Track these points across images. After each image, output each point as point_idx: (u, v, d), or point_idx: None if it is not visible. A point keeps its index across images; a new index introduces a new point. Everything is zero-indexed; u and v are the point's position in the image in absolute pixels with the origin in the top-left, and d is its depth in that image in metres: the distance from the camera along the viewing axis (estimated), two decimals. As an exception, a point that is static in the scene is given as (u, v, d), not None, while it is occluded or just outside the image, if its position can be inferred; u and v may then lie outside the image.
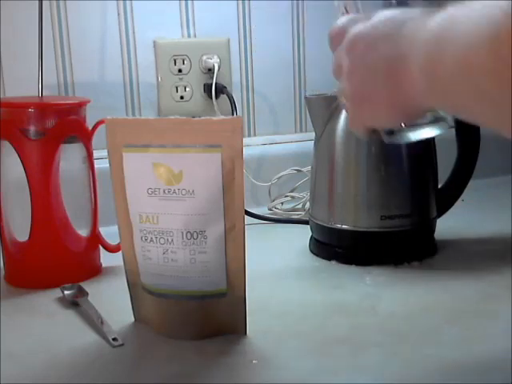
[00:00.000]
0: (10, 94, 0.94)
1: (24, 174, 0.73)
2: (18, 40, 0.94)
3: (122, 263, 0.64)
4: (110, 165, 0.61)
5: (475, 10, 0.39)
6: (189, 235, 0.58)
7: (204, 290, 0.60)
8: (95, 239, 0.79)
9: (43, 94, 0.80)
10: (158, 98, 1.03)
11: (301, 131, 1.15)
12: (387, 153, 0.78)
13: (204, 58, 1.04)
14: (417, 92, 0.47)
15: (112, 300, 0.69)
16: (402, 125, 0.54)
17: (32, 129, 0.72)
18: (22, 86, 0.91)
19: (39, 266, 0.75)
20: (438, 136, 0.58)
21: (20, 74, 0.94)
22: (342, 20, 0.57)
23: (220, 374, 0.55)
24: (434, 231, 0.83)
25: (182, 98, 1.04)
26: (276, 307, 0.68)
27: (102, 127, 0.71)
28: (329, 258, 0.81)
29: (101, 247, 0.80)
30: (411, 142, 0.56)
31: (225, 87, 1.03)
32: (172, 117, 0.59)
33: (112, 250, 0.78)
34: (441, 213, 0.83)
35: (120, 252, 0.64)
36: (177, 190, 0.58)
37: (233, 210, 0.58)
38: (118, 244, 0.66)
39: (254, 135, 1.11)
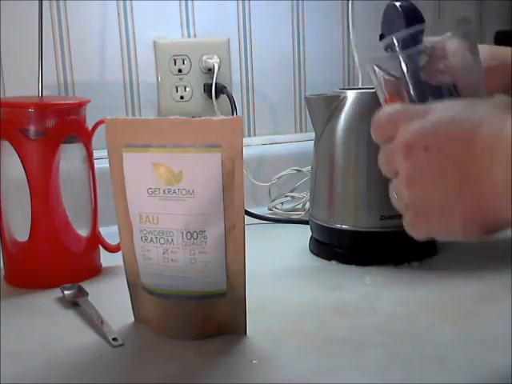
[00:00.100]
0: (10, 94, 0.94)
1: (24, 174, 0.73)
2: (18, 40, 0.94)
3: (122, 263, 0.64)
4: (110, 165, 0.61)
5: None
6: (189, 235, 0.58)
7: (204, 290, 0.60)
8: (95, 239, 0.79)
9: (43, 93, 0.80)
10: (158, 98, 1.03)
11: (301, 131, 1.15)
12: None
13: (204, 58, 1.04)
14: (501, 208, 0.42)
15: (112, 300, 0.69)
16: None
17: (32, 129, 0.72)
18: (22, 86, 0.92)
19: (39, 266, 0.75)
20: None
21: (20, 74, 0.94)
22: (390, 110, 0.49)
23: (220, 373, 0.55)
24: (434, 231, 0.83)
25: (182, 98, 1.04)
26: (276, 307, 0.68)
27: (101, 127, 0.71)
28: (329, 258, 0.81)
29: (101, 247, 0.80)
30: None
31: (225, 87, 1.03)
32: (172, 117, 0.59)
33: (112, 250, 0.78)
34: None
35: (120, 252, 0.64)
36: (177, 190, 0.58)
37: (233, 210, 0.58)
38: (118, 244, 0.66)
39: (254, 135, 1.12)
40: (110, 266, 0.79)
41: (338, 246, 0.81)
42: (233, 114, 1.01)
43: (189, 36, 1.04)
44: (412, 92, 0.50)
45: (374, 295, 0.70)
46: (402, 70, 0.50)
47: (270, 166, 1.07)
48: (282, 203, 1.04)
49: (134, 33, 1.01)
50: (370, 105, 0.79)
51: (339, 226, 0.80)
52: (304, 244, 0.86)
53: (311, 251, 0.85)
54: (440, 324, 0.63)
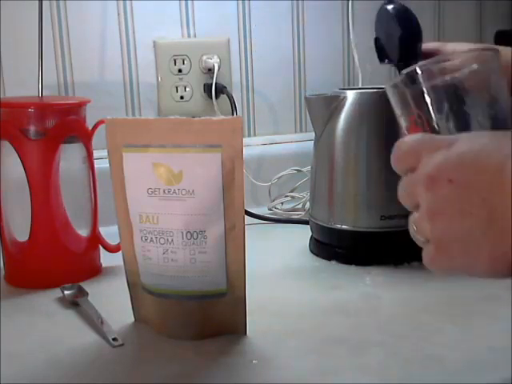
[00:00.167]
0: (10, 94, 0.94)
1: (24, 174, 0.73)
2: (18, 40, 0.94)
3: (122, 263, 0.64)
4: (110, 165, 0.61)
5: None
6: (189, 235, 0.58)
7: (204, 289, 0.60)
8: (95, 239, 0.79)
9: (43, 93, 0.80)
10: (158, 98, 1.03)
11: (301, 131, 1.15)
12: (387, 153, 0.78)
13: (204, 58, 1.04)
14: None
15: (112, 300, 0.69)
16: None
17: (32, 129, 0.72)
18: (22, 86, 0.92)
19: (39, 266, 0.75)
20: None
21: (20, 74, 0.94)
22: (412, 140, 0.47)
23: (220, 373, 0.55)
24: (433, 231, 0.83)
25: (182, 98, 1.04)
26: (276, 307, 0.68)
27: (101, 127, 0.71)
28: (329, 258, 0.81)
29: (101, 247, 0.80)
30: None
31: (225, 87, 1.03)
32: (172, 117, 0.59)
33: (112, 250, 0.78)
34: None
35: (120, 252, 0.64)
36: (177, 190, 0.58)
37: (233, 210, 0.58)
38: (118, 244, 0.66)
39: (254, 135, 1.12)
40: (110, 265, 0.79)
41: (338, 246, 0.81)
42: (233, 114, 1.01)
43: (189, 36, 1.04)
44: (435, 122, 0.48)
45: (374, 295, 0.70)
46: (424, 100, 0.48)
47: (270, 166, 1.07)
48: (282, 203, 1.04)
49: (133, 33, 1.01)
50: (369, 105, 0.79)
51: (339, 226, 0.80)
52: (304, 244, 0.86)
53: (311, 251, 0.85)
54: (440, 324, 0.63)
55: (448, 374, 0.54)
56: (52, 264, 0.75)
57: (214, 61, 1.03)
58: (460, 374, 0.54)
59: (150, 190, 0.59)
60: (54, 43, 0.96)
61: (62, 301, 0.70)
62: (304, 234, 0.87)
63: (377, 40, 0.81)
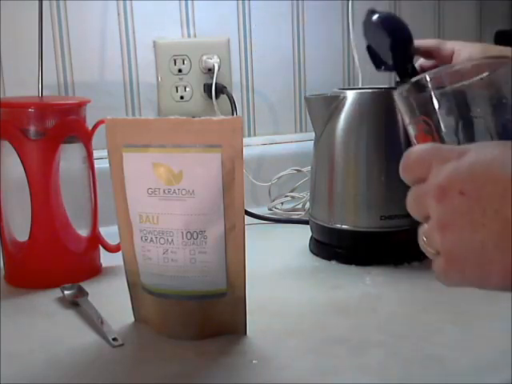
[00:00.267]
0: (10, 94, 0.94)
1: (24, 174, 0.73)
2: (18, 40, 0.94)
3: (122, 263, 0.64)
4: (110, 165, 0.61)
5: None
6: (189, 235, 0.58)
7: (204, 289, 0.60)
8: (95, 239, 0.79)
9: (43, 93, 0.80)
10: (158, 98, 1.03)
11: (301, 131, 1.15)
12: (387, 153, 0.78)
13: (204, 58, 1.04)
14: None
15: (112, 300, 0.69)
16: None
17: (32, 129, 0.72)
18: (22, 86, 0.92)
19: (39, 266, 0.75)
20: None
21: (20, 74, 0.94)
22: (421, 150, 0.46)
23: (220, 374, 0.55)
24: (433, 231, 0.83)
25: (182, 98, 1.04)
26: (276, 307, 0.68)
27: (102, 127, 0.71)
28: (329, 258, 0.81)
29: (101, 247, 0.80)
30: None
31: (225, 87, 1.03)
32: (172, 117, 0.59)
33: (112, 250, 0.78)
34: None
35: (120, 252, 0.64)
36: (177, 190, 0.58)
37: (233, 210, 0.58)
38: (118, 244, 0.66)
39: (254, 135, 1.12)
40: (110, 265, 0.79)
41: (338, 246, 0.81)
42: (233, 114, 1.01)
43: (189, 36, 1.04)
44: (443, 131, 0.47)
45: (374, 295, 0.70)
46: (433, 108, 0.47)
47: (270, 166, 1.07)
48: (282, 203, 1.04)
49: (134, 33, 1.01)
50: (369, 105, 0.79)
51: (339, 226, 0.80)
52: (304, 244, 0.86)
53: (311, 251, 0.85)
54: (440, 324, 0.63)
55: (448, 374, 0.54)
56: (52, 264, 0.75)
57: (214, 61, 1.03)
58: (460, 374, 0.54)
59: (149, 190, 0.59)
60: (54, 43, 0.96)
61: (62, 301, 0.70)
62: (304, 233, 0.87)
63: (369, 48, 0.81)
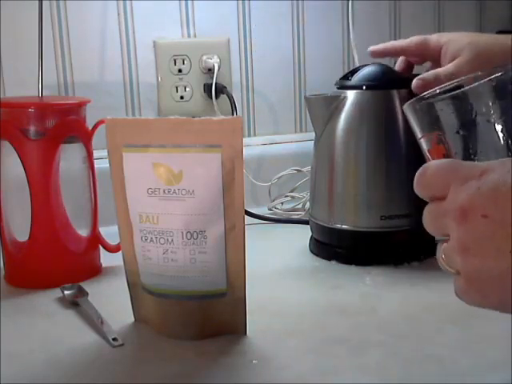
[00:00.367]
0: (10, 94, 0.94)
1: (24, 174, 0.73)
2: (18, 40, 0.94)
3: (122, 263, 0.64)
4: (110, 165, 0.61)
5: None
6: (189, 235, 0.58)
7: (204, 289, 0.60)
8: (95, 239, 0.79)
9: (43, 93, 0.80)
10: (158, 98, 1.03)
11: (301, 131, 1.15)
12: (387, 153, 0.78)
13: (204, 58, 1.04)
14: None
15: (112, 300, 0.69)
16: None
17: (32, 129, 0.72)
18: (22, 86, 0.92)
19: (39, 266, 0.75)
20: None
21: (20, 74, 0.94)
22: (438, 166, 0.44)
23: (220, 374, 0.55)
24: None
25: (182, 98, 1.04)
26: (276, 307, 0.68)
27: (102, 127, 0.71)
28: (329, 258, 0.81)
29: (101, 247, 0.80)
30: None
31: (225, 87, 1.03)
32: (172, 117, 0.59)
33: (112, 250, 0.78)
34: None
35: (120, 252, 0.64)
36: (177, 190, 0.58)
37: (233, 210, 0.58)
38: (118, 244, 0.66)
39: (254, 135, 1.12)
40: (110, 265, 0.79)
41: (338, 246, 0.81)
42: (233, 114, 1.01)
43: (189, 36, 1.04)
44: (458, 142, 0.45)
45: (374, 295, 0.70)
46: (445, 119, 0.45)
47: (270, 166, 1.07)
48: (282, 203, 1.04)
49: (134, 33, 1.01)
50: (369, 105, 0.79)
51: (339, 226, 0.80)
52: (304, 244, 0.86)
53: (311, 251, 0.85)
54: (440, 324, 0.63)
55: (448, 374, 0.54)
56: (52, 264, 0.75)
57: (214, 61, 1.03)
58: (460, 374, 0.54)
59: (150, 190, 0.59)
60: (54, 43, 0.96)
61: (62, 301, 0.70)
62: (304, 233, 0.87)
63: None
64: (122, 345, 0.60)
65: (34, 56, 0.81)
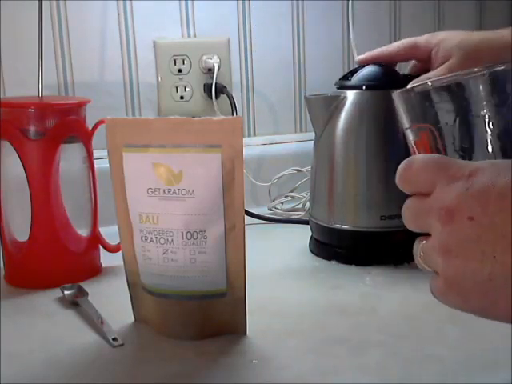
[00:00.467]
0: (10, 94, 0.94)
1: (24, 174, 0.73)
2: (18, 40, 0.94)
3: (122, 263, 0.64)
4: (110, 165, 0.61)
5: None
6: (189, 235, 0.58)
7: (204, 289, 0.60)
8: (95, 239, 0.79)
9: (43, 93, 0.80)
10: (158, 98, 1.03)
11: (301, 131, 1.15)
12: (387, 153, 0.78)
13: (204, 58, 1.04)
14: None
15: (112, 300, 0.69)
16: None
17: (32, 129, 0.72)
18: (22, 86, 0.92)
19: (39, 266, 0.75)
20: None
21: (20, 74, 0.94)
22: (424, 162, 0.42)
23: (220, 374, 0.55)
24: (433, 231, 0.83)
25: (182, 98, 1.04)
26: (276, 307, 0.68)
27: (102, 127, 0.71)
28: (329, 258, 0.81)
29: (101, 247, 0.80)
30: None
31: (225, 87, 1.03)
32: (172, 117, 0.59)
33: (112, 250, 0.78)
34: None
35: (120, 252, 0.64)
36: (177, 190, 0.58)
37: (233, 210, 0.58)
38: (118, 244, 0.66)
39: (254, 135, 1.12)
40: (110, 265, 0.79)
41: (338, 246, 0.81)
42: (233, 114, 1.01)
43: (189, 36, 1.04)
44: (447, 134, 0.44)
45: (374, 295, 0.70)
46: (440, 116, 0.44)
47: (270, 166, 1.07)
48: (282, 203, 1.04)
49: (134, 33, 1.01)
50: (369, 105, 0.79)
51: (339, 226, 0.80)
52: (304, 244, 0.86)
53: (311, 251, 0.85)
54: (440, 324, 0.63)
55: (448, 374, 0.54)
56: (52, 264, 0.75)
57: (214, 61, 1.03)
58: (460, 374, 0.54)
59: (150, 190, 0.59)
60: (54, 43, 0.96)
61: (62, 301, 0.70)
62: (304, 233, 0.87)
63: None
64: (122, 345, 0.60)
65: (34, 56, 0.81)
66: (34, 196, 0.73)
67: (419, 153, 0.46)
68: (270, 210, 1.03)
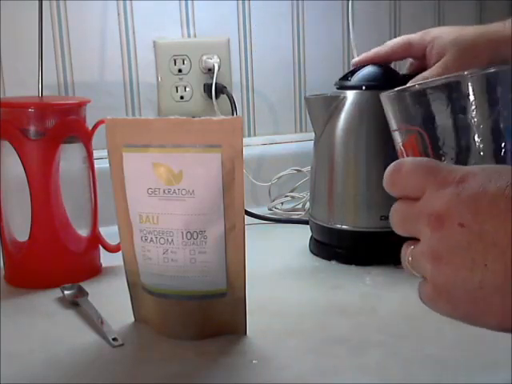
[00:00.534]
0: (10, 94, 0.94)
1: (24, 174, 0.73)
2: (18, 40, 0.94)
3: (122, 263, 0.64)
4: (110, 165, 0.61)
5: None
6: (189, 235, 0.58)
7: (204, 289, 0.60)
8: (95, 239, 0.79)
9: (43, 93, 0.80)
10: (158, 98, 1.03)
11: (301, 131, 1.15)
12: (387, 152, 0.78)
13: (204, 58, 1.04)
14: None
15: (112, 300, 0.69)
16: None
17: (32, 129, 0.72)
18: (22, 86, 0.92)
19: (39, 266, 0.75)
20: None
21: (20, 74, 0.94)
22: (413, 166, 0.41)
23: (220, 374, 0.55)
24: (433, 231, 0.83)
25: (182, 98, 1.04)
26: (276, 307, 0.68)
27: (102, 127, 0.71)
28: (329, 258, 0.81)
29: (101, 247, 0.80)
30: None
31: (225, 87, 1.03)
32: (172, 117, 0.59)
33: (112, 250, 0.78)
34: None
35: (120, 252, 0.64)
36: (177, 190, 0.58)
37: (233, 210, 0.58)
38: (118, 244, 0.66)
39: (254, 135, 1.12)
40: (110, 266, 0.79)
41: (337, 246, 0.81)
42: (233, 114, 1.01)
43: (189, 36, 1.04)
44: (438, 136, 0.44)
45: (374, 295, 0.70)
46: (431, 119, 0.44)
47: (270, 166, 1.07)
48: (282, 203, 1.04)
49: (134, 33, 1.01)
50: (369, 105, 0.79)
51: (339, 226, 0.80)
52: (304, 244, 0.86)
53: (311, 251, 0.85)
54: (440, 324, 0.63)
55: (448, 374, 0.54)
56: (52, 264, 0.75)
57: (214, 61, 1.03)
58: (460, 374, 0.54)
59: (150, 190, 0.59)
60: (54, 43, 0.96)
61: (62, 301, 0.70)
62: (304, 233, 0.87)
63: None
64: (122, 345, 0.60)
65: (34, 56, 0.81)
66: (34, 196, 0.73)
67: (407, 155, 0.46)
68: (270, 209, 1.03)
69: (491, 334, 0.60)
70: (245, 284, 0.60)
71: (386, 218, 0.77)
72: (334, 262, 0.80)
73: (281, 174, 1.05)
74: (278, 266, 0.80)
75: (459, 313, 0.40)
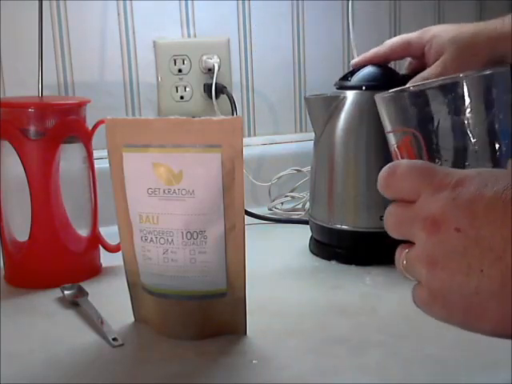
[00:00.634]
0: (10, 94, 0.94)
1: (24, 174, 0.73)
2: (18, 40, 0.94)
3: (122, 263, 0.64)
4: (110, 165, 0.61)
5: None
6: (189, 235, 0.58)
7: (204, 289, 0.60)
8: (95, 239, 0.79)
9: (43, 93, 0.80)
10: (158, 98, 1.03)
11: (301, 131, 1.15)
12: (387, 152, 0.78)
13: (204, 58, 1.04)
14: None
15: (112, 300, 0.69)
16: None
17: (32, 129, 0.72)
18: (22, 86, 0.92)
19: (39, 266, 0.75)
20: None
21: (20, 74, 0.94)
22: (408, 168, 0.41)
23: (220, 374, 0.55)
24: (433, 231, 0.83)
25: (182, 98, 1.04)
26: (276, 307, 0.68)
27: (102, 127, 0.71)
28: (329, 258, 0.81)
29: (101, 247, 0.80)
30: None
31: (225, 87, 1.03)
32: (172, 117, 0.59)
33: (112, 250, 0.78)
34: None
35: (120, 252, 0.64)
36: (177, 190, 0.58)
37: (233, 210, 0.58)
38: (118, 244, 0.66)
39: (254, 135, 1.12)
40: (110, 265, 0.79)
41: (337, 246, 0.81)
42: (233, 114, 1.01)
43: (189, 36, 1.04)
44: (433, 139, 0.43)
45: (374, 295, 0.70)
46: (427, 121, 0.44)
47: (270, 166, 1.07)
48: (282, 203, 1.04)
49: (134, 33, 1.01)
50: (369, 105, 0.79)
51: (339, 226, 0.80)
52: (304, 244, 0.86)
53: (311, 251, 0.85)
54: (440, 324, 0.63)
55: (448, 374, 0.54)
56: (52, 264, 0.75)
57: (214, 61, 1.03)
58: (460, 374, 0.54)
59: (150, 190, 0.59)
60: (54, 43, 0.96)
61: (62, 301, 0.70)
62: (304, 233, 0.87)
63: None
64: (122, 345, 0.60)
65: (34, 56, 0.81)
66: (34, 196, 0.73)
67: (402, 157, 0.46)
68: (270, 209, 1.03)
69: (491, 334, 0.60)
70: (245, 284, 0.60)
71: (386, 218, 0.78)
72: (333, 262, 0.80)
73: (281, 173, 1.05)
74: (278, 266, 0.80)
75: (454, 318, 0.40)
